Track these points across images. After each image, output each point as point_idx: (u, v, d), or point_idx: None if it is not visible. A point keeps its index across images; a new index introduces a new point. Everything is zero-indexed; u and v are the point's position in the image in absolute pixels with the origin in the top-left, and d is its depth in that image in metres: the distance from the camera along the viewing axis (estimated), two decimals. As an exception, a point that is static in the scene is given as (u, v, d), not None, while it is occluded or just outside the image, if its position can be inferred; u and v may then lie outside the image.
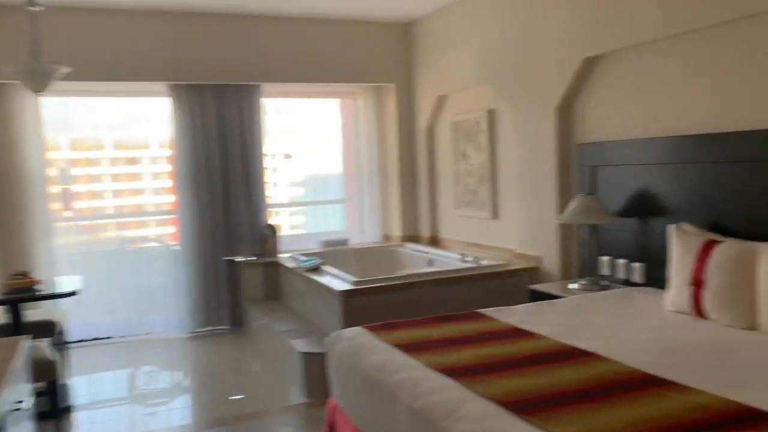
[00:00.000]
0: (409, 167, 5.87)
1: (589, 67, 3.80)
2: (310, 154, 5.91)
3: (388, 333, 2.69)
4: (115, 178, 5.58)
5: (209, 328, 5.28)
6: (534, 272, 4.23)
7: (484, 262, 4.43)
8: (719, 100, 3.04)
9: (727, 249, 2.65)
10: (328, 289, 4.01)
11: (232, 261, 5.36)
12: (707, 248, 2.74)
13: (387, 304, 3.89)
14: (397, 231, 5.92)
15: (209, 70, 5.13)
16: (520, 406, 1.83)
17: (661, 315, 2.83)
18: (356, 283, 3.95)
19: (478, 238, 5.05)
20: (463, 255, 4.72)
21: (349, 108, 6.04)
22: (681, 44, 3.21)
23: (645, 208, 3.44)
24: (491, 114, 4.80)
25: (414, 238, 5.86)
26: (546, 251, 4.17)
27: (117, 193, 5.61)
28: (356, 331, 2.77)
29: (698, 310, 2.73)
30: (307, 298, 4.50)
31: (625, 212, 3.57)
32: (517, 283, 4.18)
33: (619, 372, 2.07)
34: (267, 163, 5.54)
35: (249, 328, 5.22)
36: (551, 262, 4.12)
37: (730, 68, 2.97)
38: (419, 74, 5.66)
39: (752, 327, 2.52)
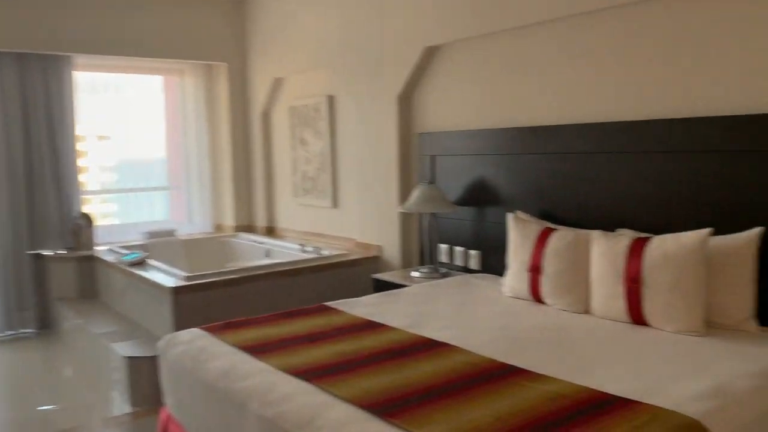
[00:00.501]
0: (243, 153, 5.57)
1: (430, 56, 3.81)
2: (129, 136, 5.36)
3: (231, 333, 2.46)
4: None
5: (10, 332, 4.59)
6: (375, 261, 4.20)
7: (325, 252, 4.31)
8: (551, 94, 3.18)
9: (562, 236, 2.78)
10: (155, 286, 3.64)
11: (39, 255, 4.71)
12: (544, 236, 2.86)
13: (223, 300, 3.63)
14: (229, 221, 5.60)
15: (6, 35, 4.42)
16: (383, 408, 1.72)
17: (502, 301, 2.91)
18: (188, 278, 3.63)
19: (318, 227, 4.92)
20: (303, 245, 4.56)
21: (175, 87, 5.57)
22: (517, 38, 3.32)
23: (481, 197, 3.53)
24: (331, 100, 4.67)
25: (249, 228, 5.58)
26: (387, 240, 4.15)
27: None
28: (194, 333, 2.51)
29: (536, 296, 2.84)
30: (131, 296, 4.07)
31: (463, 201, 3.64)
32: (360, 273, 4.12)
33: (474, 363, 2.06)
34: (81, 145, 4.94)
35: (60, 331, 4.62)
36: (392, 251, 4.11)
37: (560, 62, 3.12)
38: (254, 54, 5.37)
39: (586, 311, 2.66)
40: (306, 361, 2.11)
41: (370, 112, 4.19)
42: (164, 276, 3.76)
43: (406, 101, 4.00)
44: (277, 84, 5.20)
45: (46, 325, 4.75)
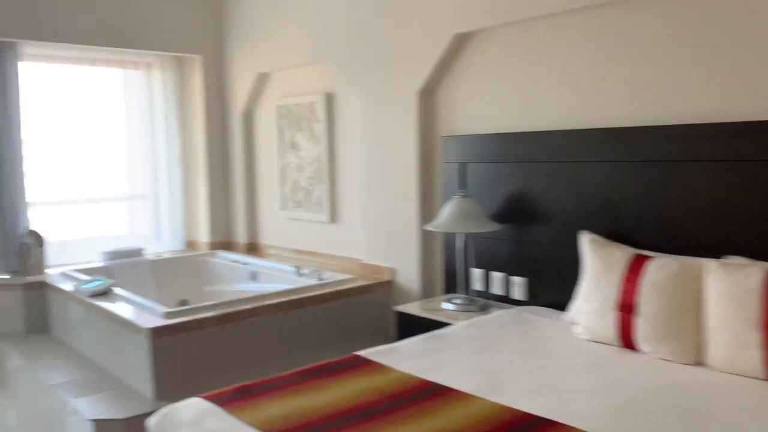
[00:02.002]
0: (221, 159, 4.85)
1: (461, 45, 3.22)
2: (83, 138, 4.56)
3: (250, 408, 1.80)
4: None
5: (-61, 377, 3.77)
6: (389, 288, 3.57)
7: (327, 276, 3.65)
8: (621, 91, 2.63)
9: (663, 266, 2.21)
10: (127, 324, 2.92)
11: (-25, 282, 3.92)
12: (637, 265, 2.28)
13: (214, 340, 2.94)
14: (204, 237, 4.87)
15: (-65, 15, 3.63)
16: None
17: (580, 347, 2.32)
18: (168, 314, 2.92)
19: (311, 245, 4.26)
20: (299, 267, 3.89)
21: (139, 82, 4.81)
22: (573, 20, 2.75)
23: (525, 213, 2.95)
24: (329, 98, 4.02)
25: (227, 246, 4.87)
26: (402, 262, 3.52)
27: None
28: (198, 407, 1.83)
29: (627, 340, 2.26)
30: (93, 335, 3.33)
31: (501, 218, 3.05)
32: (373, 303, 3.48)
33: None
34: (27, 148, 4.15)
35: (1, 375, 3.82)
36: (408, 275, 3.49)
37: (631, 49, 2.57)
38: (233, 45, 4.67)
39: (698, 362, 2.10)
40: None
41: (381, 112, 3.57)
42: (137, 311, 3.04)
43: (429, 99, 3.39)
44: (261, 80, 4.52)
45: (-16, 365, 3.95)
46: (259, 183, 4.70)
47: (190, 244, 4.96)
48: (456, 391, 1.90)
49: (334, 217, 4.08)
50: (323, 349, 3.18)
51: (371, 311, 3.46)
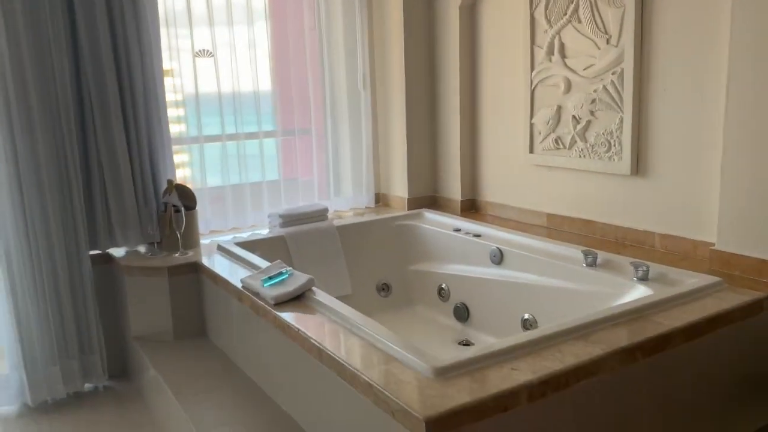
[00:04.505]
0: (425, 75, 3.35)
1: None
2: (223, 57, 3.15)
3: None
4: None
5: (64, 392, 2.65)
6: (786, 301, 1.97)
7: (659, 275, 2.11)
8: None
9: None
10: (362, 386, 1.55)
11: (106, 257, 2.75)
12: None
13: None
14: (400, 190, 3.45)
15: None
16: None
17: None
18: (442, 369, 1.50)
19: (584, 209, 2.71)
20: (588, 251, 2.36)
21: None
22: None
23: None
24: (644, -39, 2.36)
25: (433, 203, 3.44)
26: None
27: None
28: None
29: None
30: (289, 371, 2.02)
31: None
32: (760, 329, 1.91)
33: None
34: (166, 69, 2.86)
35: (139, 380, 2.68)
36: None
37: None
38: None
39: None
40: None
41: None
42: (368, 346, 1.66)
43: None
44: (496, -50, 2.92)
45: (120, 371, 2.83)
46: (485, 111, 3.17)
47: (382, 200, 3.57)
48: None
49: (639, 167, 2.48)
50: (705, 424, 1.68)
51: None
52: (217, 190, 3.15)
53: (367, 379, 1.49)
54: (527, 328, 2.51)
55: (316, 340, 1.73)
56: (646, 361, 1.66)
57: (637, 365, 1.64)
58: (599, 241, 2.60)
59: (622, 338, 1.65)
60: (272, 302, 1.99)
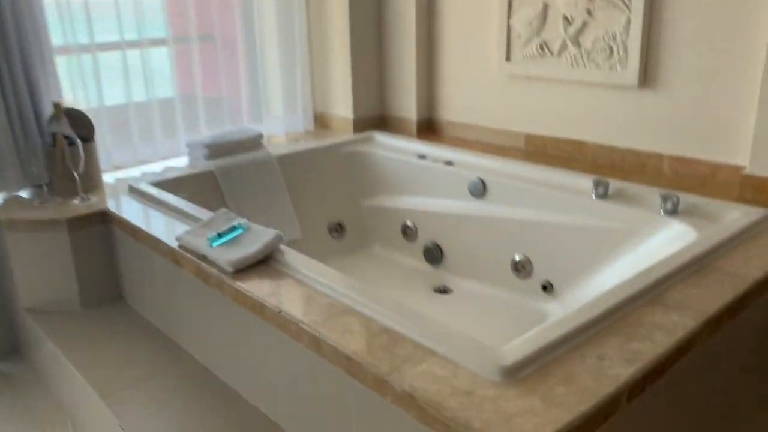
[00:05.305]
0: (369, -30, 2.78)
1: None
2: None
3: None
4: None
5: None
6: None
7: (690, 206, 1.79)
8: None
9: None
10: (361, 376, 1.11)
11: (-27, 211, 2.08)
12: None
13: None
14: (343, 109, 2.91)
15: None
16: None
17: None
18: (523, 363, 1.09)
19: (576, 128, 2.33)
20: (599, 180, 1.99)
21: None
22: None
23: None
24: None
25: (382, 123, 2.94)
26: None
27: None
28: None
29: None
30: (265, 356, 1.53)
31: None
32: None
33: None
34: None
35: (35, 360, 2.10)
36: None
37: None
38: None
39: None
40: None
41: None
42: (386, 332, 1.22)
43: None
44: None
45: (11, 347, 2.22)
46: (448, 8, 2.66)
47: (321, 120, 3.02)
48: None
49: (647, 77, 2.11)
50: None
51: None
52: (118, 111, 2.48)
53: (404, 389, 1.04)
54: (518, 271, 2.16)
55: (309, 326, 1.25)
56: (728, 325, 1.33)
57: (720, 333, 1.31)
58: (591, 164, 2.25)
59: (703, 299, 1.30)
60: (230, 269, 1.48)
